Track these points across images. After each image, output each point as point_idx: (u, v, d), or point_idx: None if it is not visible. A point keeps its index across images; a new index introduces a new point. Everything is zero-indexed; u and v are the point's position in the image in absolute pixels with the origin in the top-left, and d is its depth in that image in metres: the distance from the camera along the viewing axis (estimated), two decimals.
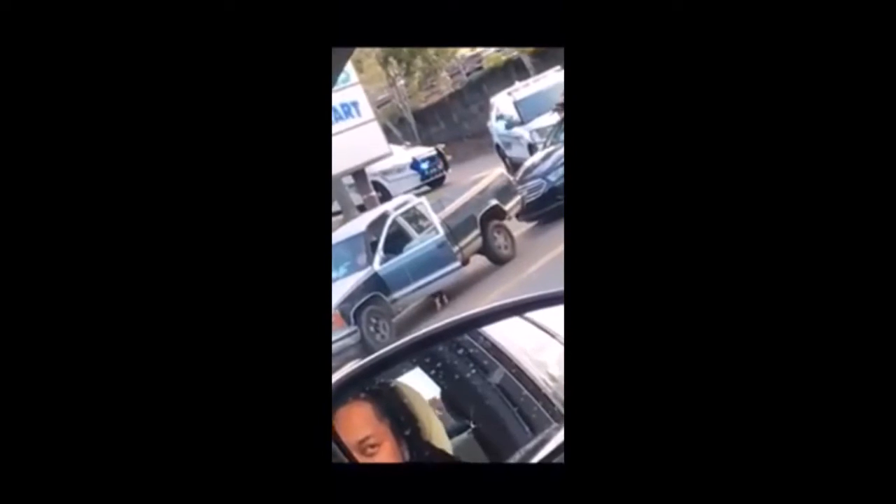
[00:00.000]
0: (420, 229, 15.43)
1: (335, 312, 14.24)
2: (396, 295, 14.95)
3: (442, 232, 15.15)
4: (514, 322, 2.65)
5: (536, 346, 2.62)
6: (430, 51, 28.98)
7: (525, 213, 15.96)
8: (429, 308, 15.32)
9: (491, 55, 30.19)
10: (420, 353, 2.57)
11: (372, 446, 2.22)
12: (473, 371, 2.62)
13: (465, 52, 30.81)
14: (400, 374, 2.54)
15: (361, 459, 2.13)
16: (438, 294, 15.13)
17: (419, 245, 15.15)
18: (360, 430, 2.23)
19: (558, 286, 1.64)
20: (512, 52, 27.33)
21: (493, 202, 15.96)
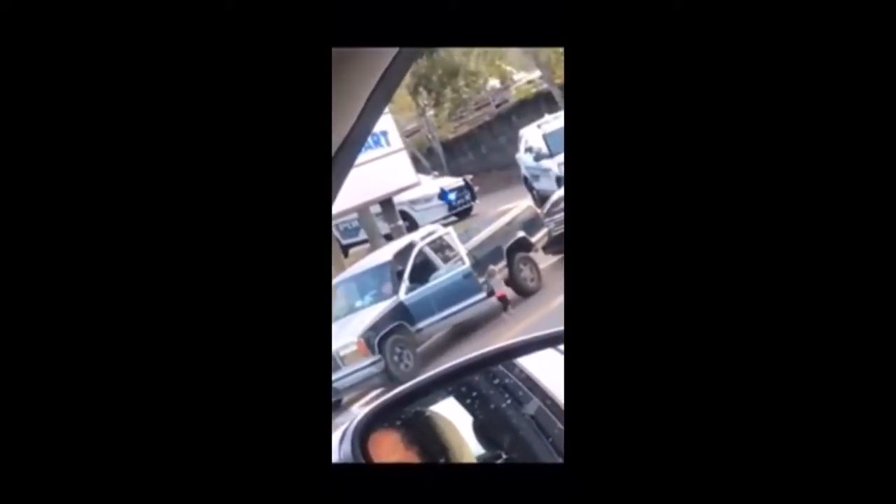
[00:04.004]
0: (446, 259, 15.44)
1: (359, 341, 14.28)
2: (421, 325, 14.94)
3: (468, 263, 15.14)
4: (548, 354, 2.65)
5: None
6: (461, 82, 29.07)
7: (551, 245, 15.94)
8: (454, 338, 15.30)
9: (521, 87, 30.26)
10: (456, 383, 2.57)
11: None
12: (508, 401, 2.62)
13: (494, 83, 30.91)
14: (434, 402, 2.54)
15: None
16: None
17: (445, 275, 15.14)
18: (386, 457, 2.24)
19: None
20: (542, 85, 27.38)
21: (520, 234, 15.95)
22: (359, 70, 1.43)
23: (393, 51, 1.42)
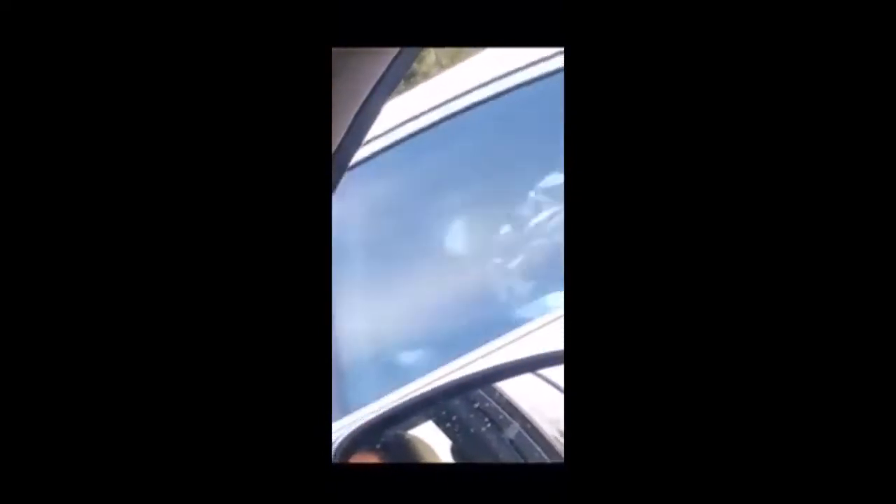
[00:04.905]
0: None
1: None
2: None
3: None
4: (527, 379, 2.65)
5: (549, 404, 2.62)
6: None
7: None
8: None
9: None
10: (435, 407, 2.57)
11: None
12: (488, 426, 2.62)
13: None
14: (414, 426, 2.54)
15: None
16: None
17: None
18: None
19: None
20: None
21: None
22: (356, 80, 1.43)
23: (386, 60, 1.42)
